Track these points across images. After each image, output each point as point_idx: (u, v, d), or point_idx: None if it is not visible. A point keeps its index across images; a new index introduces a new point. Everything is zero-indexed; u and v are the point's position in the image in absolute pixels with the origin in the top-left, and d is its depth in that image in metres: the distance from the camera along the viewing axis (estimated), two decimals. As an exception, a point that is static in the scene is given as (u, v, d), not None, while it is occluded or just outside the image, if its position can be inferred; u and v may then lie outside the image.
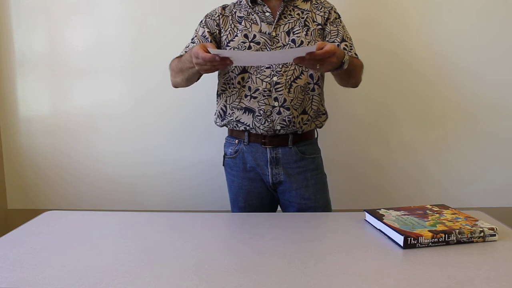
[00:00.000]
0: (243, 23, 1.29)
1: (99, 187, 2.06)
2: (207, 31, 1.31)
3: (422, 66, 1.94)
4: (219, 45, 1.33)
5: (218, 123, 1.38)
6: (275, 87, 1.26)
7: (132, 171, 2.05)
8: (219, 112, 1.37)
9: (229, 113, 1.32)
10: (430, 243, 0.94)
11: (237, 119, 1.30)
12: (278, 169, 1.31)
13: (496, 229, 0.99)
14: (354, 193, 2.00)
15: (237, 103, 1.30)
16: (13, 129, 2.05)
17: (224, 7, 1.35)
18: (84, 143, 2.04)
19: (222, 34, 1.31)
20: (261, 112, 1.27)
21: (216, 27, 1.32)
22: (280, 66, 1.25)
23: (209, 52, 1.01)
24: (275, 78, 1.25)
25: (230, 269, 0.84)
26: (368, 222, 1.10)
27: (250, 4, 1.29)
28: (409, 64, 1.93)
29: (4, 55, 1.99)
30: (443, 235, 0.95)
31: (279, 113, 1.26)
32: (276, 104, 1.26)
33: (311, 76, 1.29)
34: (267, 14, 1.28)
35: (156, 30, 1.94)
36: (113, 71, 1.98)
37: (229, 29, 1.30)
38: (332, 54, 1.01)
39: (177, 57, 1.32)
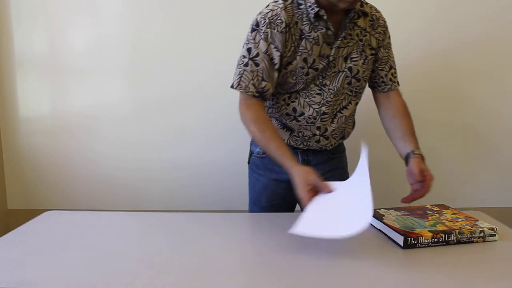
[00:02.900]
0: (303, 42, 1.13)
1: (99, 187, 2.06)
2: (278, 55, 1.12)
3: (422, 66, 1.94)
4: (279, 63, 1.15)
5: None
6: (322, 116, 1.21)
7: (132, 171, 2.05)
8: None
9: None
10: (430, 243, 0.94)
11: None
12: None
13: (496, 229, 0.99)
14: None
15: (277, 116, 1.25)
16: (13, 129, 2.05)
17: (285, 8, 1.12)
18: (84, 143, 2.04)
19: (285, 54, 1.13)
20: (300, 135, 1.24)
21: (284, 45, 1.12)
22: (332, 96, 1.19)
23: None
24: (323, 108, 1.20)
25: (230, 269, 0.83)
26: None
27: (312, 19, 1.11)
28: (408, 64, 1.93)
29: (4, 55, 1.99)
30: (443, 235, 0.95)
31: (318, 141, 1.24)
32: (317, 132, 1.23)
33: (356, 104, 1.27)
34: (329, 32, 1.13)
35: (156, 31, 1.94)
36: (113, 72, 1.98)
37: (291, 48, 1.13)
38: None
39: (254, 112, 1.15)
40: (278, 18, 1.11)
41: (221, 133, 1.99)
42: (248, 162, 1.39)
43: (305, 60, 1.14)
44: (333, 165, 1.33)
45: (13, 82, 2.01)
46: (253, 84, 1.14)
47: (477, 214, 1.15)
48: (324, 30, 1.13)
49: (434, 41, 1.92)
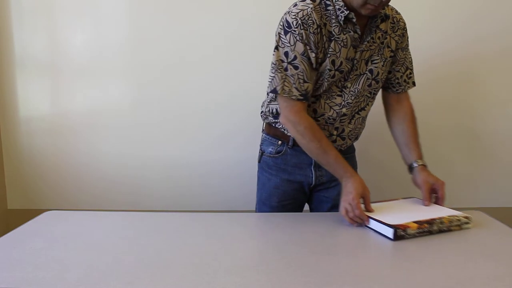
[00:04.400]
0: (332, 44, 1.13)
1: (99, 187, 2.06)
2: (314, 56, 1.11)
3: (422, 66, 1.94)
4: (315, 63, 1.15)
5: (269, 119, 1.30)
6: (341, 118, 1.22)
7: (132, 171, 2.05)
8: (272, 110, 1.28)
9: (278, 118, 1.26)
10: (416, 234, 0.98)
11: (284, 127, 1.25)
12: (321, 171, 1.29)
13: (471, 218, 1.04)
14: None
15: None
16: (13, 129, 2.05)
17: (314, 8, 1.10)
18: (84, 144, 2.04)
19: (317, 55, 1.13)
20: None
21: (316, 45, 1.11)
22: (352, 98, 1.20)
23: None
24: (344, 110, 1.20)
25: (230, 269, 0.83)
26: None
27: (342, 22, 1.12)
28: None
29: (4, 55, 1.99)
30: (427, 225, 0.99)
31: (334, 141, 1.25)
32: (334, 132, 1.24)
33: (372, 104, 1.28)
34: (356, 36, 1.14)
35: (157, 30, 1.94)
36: (113, 72, 1.98)
37: (322, 48, 1.13)
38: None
39: (304, 119, 1.15)
40: (310, 19, 1.10)
41: (223, 133, 1.99)
42: (259, 162, 1.39)
43: (333, 62, 1.14)
44: None
45: (13, 82, 2.01)
46: (296, 88, 1.13)
47: (477, 214, 1.15)
48: (352, 33, 1.13)
49: (435, 42, 1.92)
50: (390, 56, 1.23)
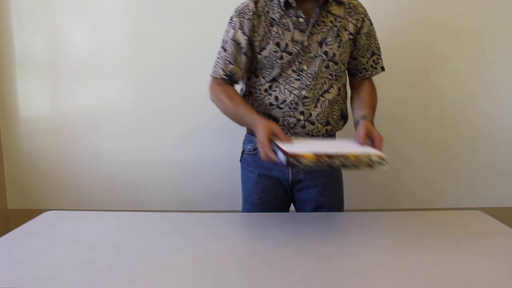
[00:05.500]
0: (275, 28, 1.21)
1: (99, 187, 2.06)
2: (245, 39, 1.21)
3: (423, 66, 1.94)
4: (252, 51, 1.24)
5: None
6: (303, 101, 1.23)
7: (133, 172, 2.04)
8: None
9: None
10: (312, 165, 0.94)
11: None
12: (298, 167, 1.30)
13: (386, 159, 0.97)
14: (357, 192, 1.99)
15: (262, 109, 1.28)
16: (13, 129, 2.04)
17: (256, 2, 1.23)
18: (84, 144, 2.03)
19: (255, 39, 1.22)
20: (285, 123, 1.25)
21: (251, 29, 1.21)
22: (310, 79, 1.22)
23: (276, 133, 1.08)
24: (304, 92, 1.23)
25: (230, 269, 0.84)
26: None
27: (283, 7, 1.20)
28: (409, 65, 1.93)
29: (4, 55, 1.99)
30: (326, 158, 0.95)
31: (303, 127, 1.25)
32: (301, 118, 1.24)
33: (339, 88, 1.28)
34: (300, 20, 1.20)
35: (157, 30, 1.94)
36: (113, 71, 1.98)
37: (262, 33, 1.22)
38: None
39: (223, 87, 1.25)
40: (247, 8, 1.23)
41: (225, 132, 1.98)
42: (240, 161, 1.40)
43: (277, 44, 1.21)
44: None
45: (13, 82, 2.01)
46: (222, 68, 1.25)
47: (477, 214, 1.15)
48: (294, 17, 1.20)
49: (435, 41, 1.92)
50: (350, 39, 1.25)
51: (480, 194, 2.02)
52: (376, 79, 1.37)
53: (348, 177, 2.00)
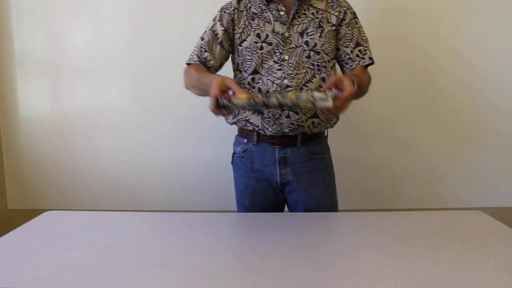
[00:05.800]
0: (256, 21, 1.27)
1: (99, 187, 2.06)
2: (222, 29, 1.28)
3: (425, 66, 1.94)
4: (232, 43, 1.30)
5: (228, 120, 1.36)
6: (286, 90, 1.24)
7: (133, 172, 2.04)
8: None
9: (239, 112, 1.31)
10: (246, 105, 0.95)
11: (246, 118, 1.29)
12: (286, 169, 1.29)
13: (331, 95, 0.94)
14: (356, 192, 1.99)
15: None
16: (13, 129, 2.05)
17: (239, 0, 1.31)
18: (84, 144, 2.04)
19: (235, 31, 1.29)
20: (270, 114, 1.25)
21: (231, 22, 1.29)
22: (292, 69, 1.24)
23: (228, 89, 1.05)
24: (286, 81, 1.24)
25: (230, 269, 0.84)
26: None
27: (264, 1, 1.26)
28: (413, 64, 1.93)
29: (4, 55, 1.99)
30: (261, 97, 0.95)
31: (288, 116, 1.25)
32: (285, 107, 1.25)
33: (323, 79, 1.27)
34: (281, 13, 1.25)
35: (157, 30, 1.94)
36: (113, 71, 1.98)
37: (242, 26, 1.28)
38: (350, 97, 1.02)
39: (193, 65, 1.29)
40: (229, 4, 1.30)
41: (226, 132, 1.98)
42: (232, 163, 1.40)
43: (258, 35, 1.26)
44: (314, 166, 1.31)
45: (13, 82, 2.01)
46: (197, 55, 1.30)
47: (477, 214, 1.15)
48: (275, 11, 1.26)
49: (438, 41, 1.92)
50: (332, 30, 1.27)
51: (480, 194, 2.02)
52: (374, 79, 1.36)
53: (348, 177, 2.00)
